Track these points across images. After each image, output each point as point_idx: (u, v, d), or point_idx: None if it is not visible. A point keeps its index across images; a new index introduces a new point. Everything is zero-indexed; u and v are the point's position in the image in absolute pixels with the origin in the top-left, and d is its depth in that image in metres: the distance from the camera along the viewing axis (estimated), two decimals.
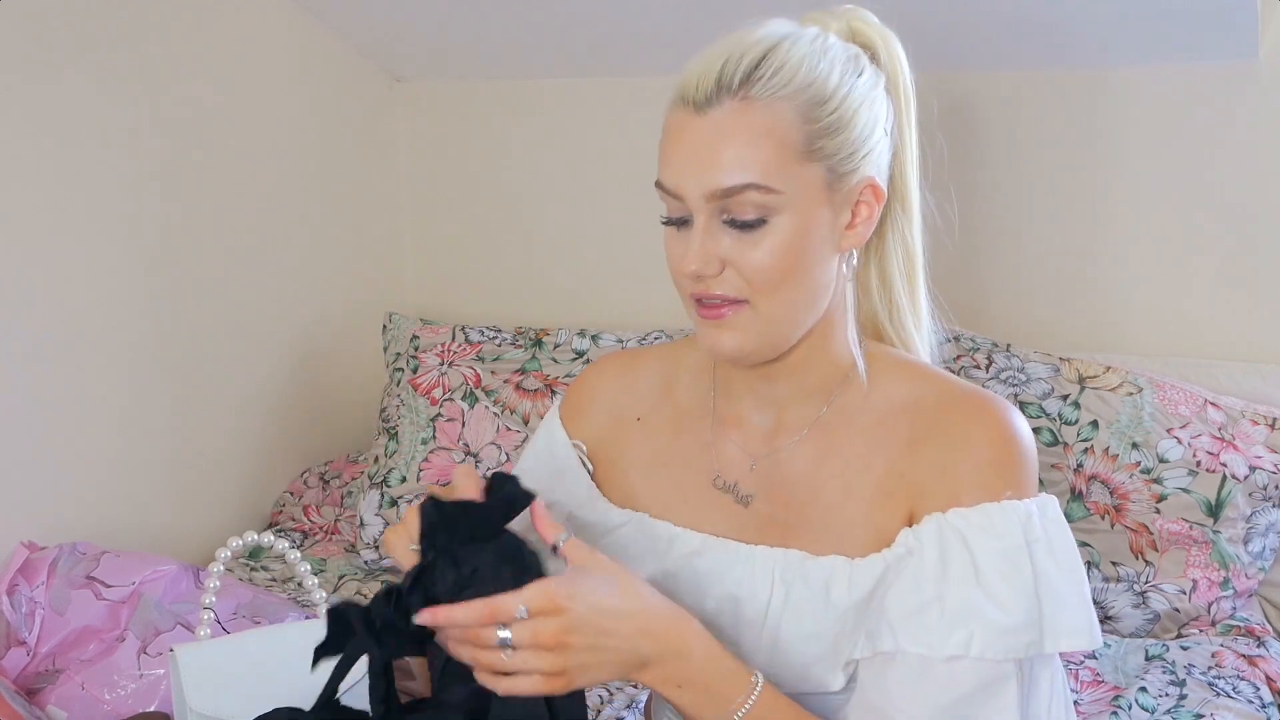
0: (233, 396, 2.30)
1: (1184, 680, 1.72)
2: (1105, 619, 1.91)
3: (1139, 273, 2.14)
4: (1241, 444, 1.89)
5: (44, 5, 1.89)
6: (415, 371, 2.33)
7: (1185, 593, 1.87)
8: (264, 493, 2.41)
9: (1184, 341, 2.11)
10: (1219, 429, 1.90)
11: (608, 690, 1.78)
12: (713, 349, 1.05)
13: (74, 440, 1.98)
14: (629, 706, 1.73)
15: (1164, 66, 2.05)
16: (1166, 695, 1.70)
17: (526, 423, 2.22)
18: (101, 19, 1.99)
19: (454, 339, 2.36)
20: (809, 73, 1.00)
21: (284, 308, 2.42)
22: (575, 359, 2.29)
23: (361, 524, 2.24)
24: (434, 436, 2.26)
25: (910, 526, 1.03)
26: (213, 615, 1.40)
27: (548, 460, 1.20)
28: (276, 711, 1.06)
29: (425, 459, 2.25)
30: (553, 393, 2.24)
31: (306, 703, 1.09)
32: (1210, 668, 1.75)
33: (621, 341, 2.30)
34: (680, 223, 1.03)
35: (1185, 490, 1.88)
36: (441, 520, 0.97)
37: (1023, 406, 1.95)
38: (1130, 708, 1.68)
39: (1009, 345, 2.06)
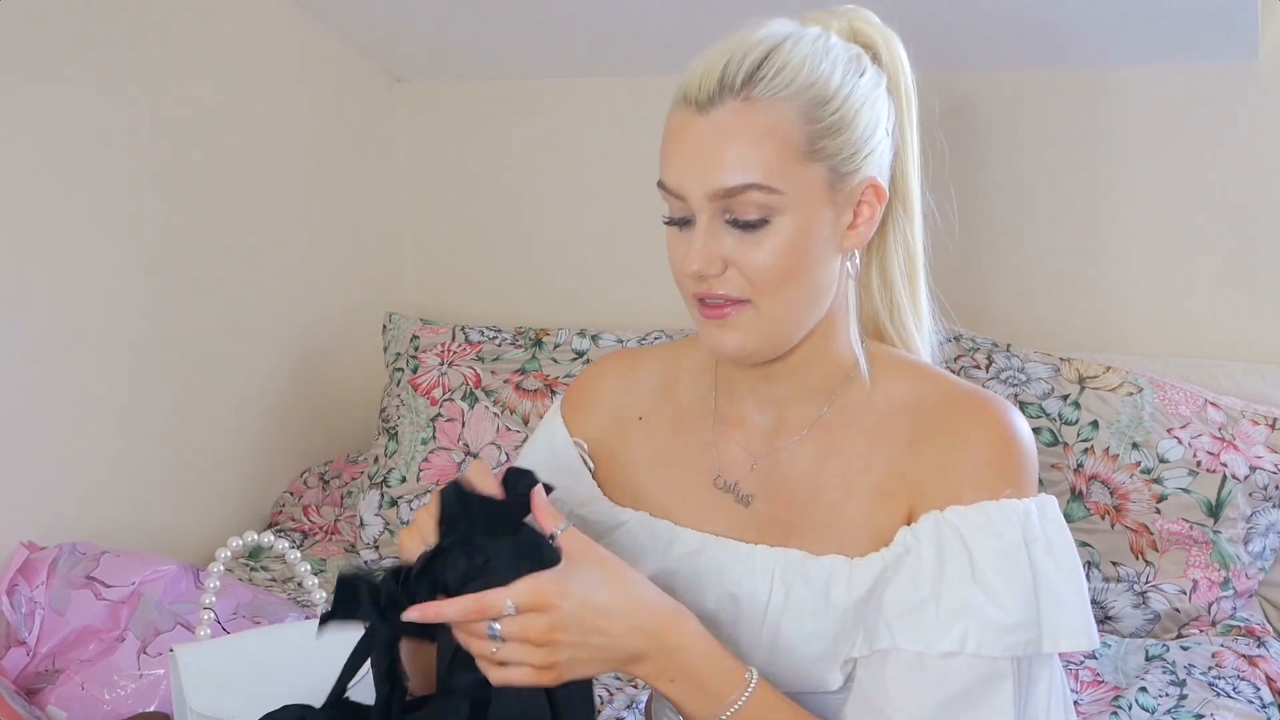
0: (233, 396, 2.30)
1: (1184, 680, 1.72)
2: (1105, 619, 1.91)
3: (1140, 273, 2.14)
4: (1242, 444, 1.89)
5: (44, 5, 1.89)
6: (415, 371, 2.33)
7: (1185, 593, 1.87)
8: (264, 493, 2.41)
9: (1185, 341, 2.11)
10: (1219, 429, 1.90)
11: (607, 690, 1.78)
12: (715, 349, 1.05)
13: (74, 440, 1.98)
14: (629, 707, 1.72)
15: (1165, 66, 2.05)
16: (1167, 695, 1.70)
17: (526, 423, 2.22)
18: (101, 19, 1.99)
19: (454, 339, 2.36)
20: (811, 73, 1.00)
21: (284, 308, 2.42)
22: (575, 359, 2.29)
23: (361, 524, 2.24)
24: (434, 436, 2.26)
25: (909, 525, 1.03)
26: (213, 615, 1.40)
27: (548, 458, 1.20)
28: (287, 708, 1.06)
29: (425, 459, 2.25)
30: (553, 393, 2.24)
31: (307, 702, 1.09)
32: (1210, 668, 1.75)
33: (621, 341, 2.30)
34: (682, 223, 1.03)
35: (1185, 490, 1.88)
36: (463, 509, 0.98)
37: (1023, 406, 1.95)
38: (1130, 708, 1.68)
39: (1009, 345, 2.06)
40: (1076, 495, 1.93)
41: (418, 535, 1.00)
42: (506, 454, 2.21)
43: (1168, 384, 1.96)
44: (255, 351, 2.36)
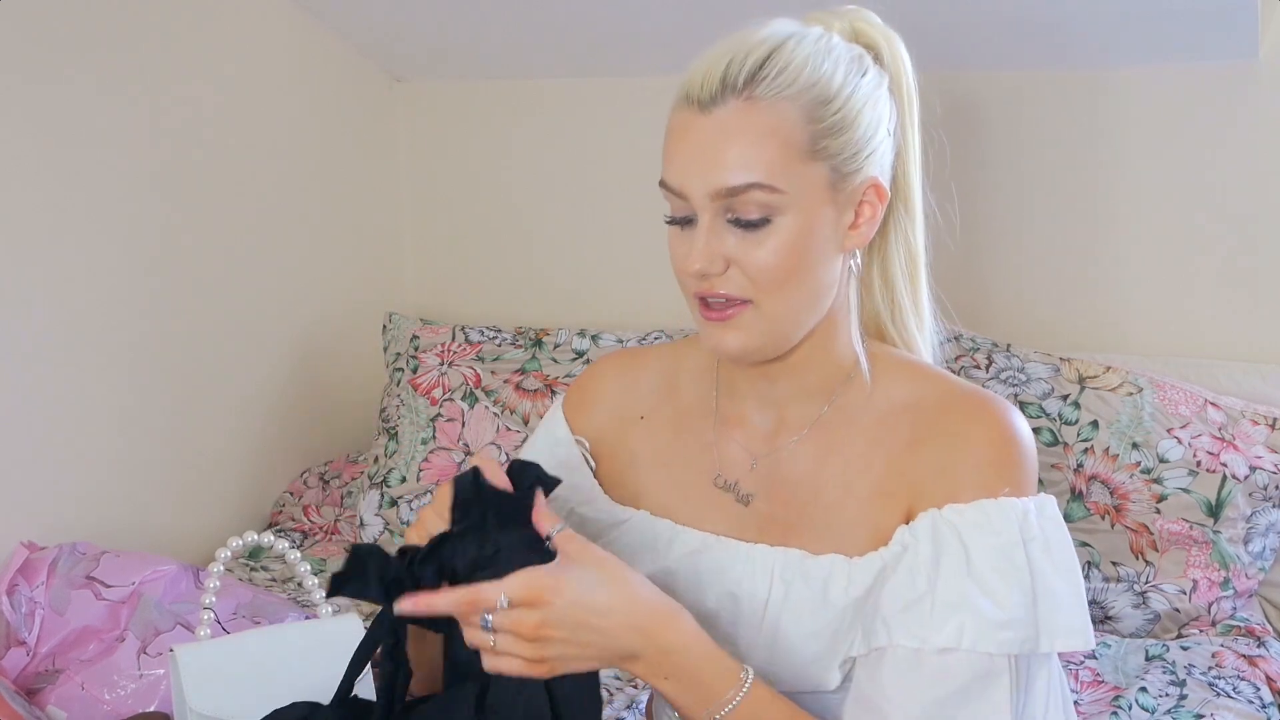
0: (233, 396, 2.30)
1: (1184, 680, 1.72)
2: (1105, 619, 1.91)
3: (1140, 273, 2.14)
4: (1242, 444, 1.89)
5: (44, 5, 1.89)
6: (415, 371, 2.33)
7: (1185, 593, 1.87)
8: (264, 493, 2.40)
9: (1185, 341, 2.11)
10: (1219, 429, 1.90)
11: (608, 691, 1.78)
12: (717, 348, 1.05)
13: (74, 440, 1.98)
14: (629, 707, 1.72)
15: (1165, 66, 2.05)
16: (1167, 695, 1.70)
17: (526, 423, 2.22)
18: (101, 19, 1.99)
19: (454, 339, 2.36)
20: (813, 72, 1.00)
21: (284, 308, 2.42)
22: (575, 359, 2.29)
23: (361, 524, 2.24)
24: (434, 436, 2.26)
25: (907, 525, 1.03)
26: (213, 615, 1.40)
27: (549, 456, 1.20)
28: (295, 705, 1.07)
29: (425, 459, 2.25)
30: (553, 393, 2.24)
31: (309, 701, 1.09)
32: (1210, 668, 1.75)
33: (621, 341, 2.30)
34: (684, 222, 1.03)
35: (1185, 490, 1.88)
36: (477, 496, 0.98)
37: (1023, 406, 1.95)
38: (1130, 708, 1.68)
39: (1009, 345, 2.06)
40: (1076, 495, 1.93)
41: (435, 517, 1.01)
42: (506, 454, 2.21)
43: (1168, 384, 1.96)
44: (255, 351, 2.36)
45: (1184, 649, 1.80)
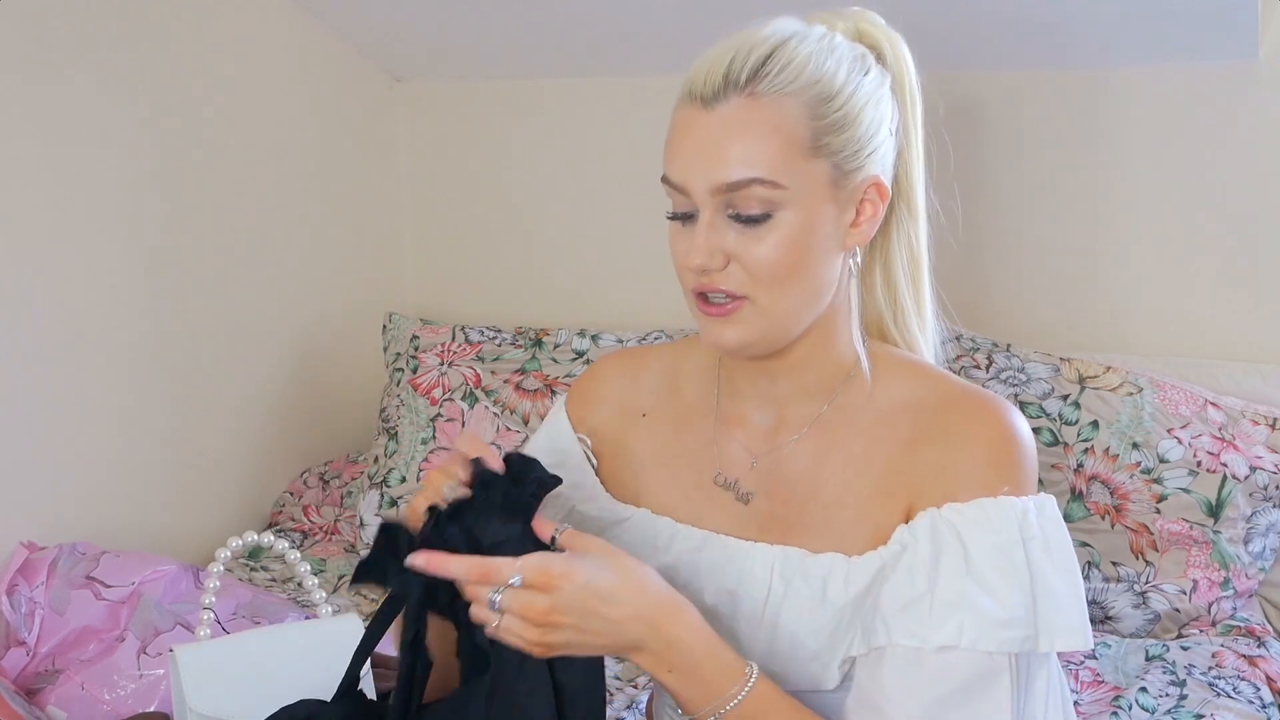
0: (233, 396, 2.30)
1: (1184, 680, 1.72)
2: (1106, 619, 1.91)
3: (1140, 272, 2.14)
4: (1242, 444, 1.89)
5: (44, 5, 1.89)
6: (415, 371, 2.33)
7: (1185, 593, 1.87)
8: (264, 493, 2.40)
9: (1185, 341, 2.11)
10: (1219, 429, 1.90)
11: (608, 691, 1.78)
12: (716, 343, 1.05)
13: (74, 440, 1.98)
14: (629, 707, 1.72)
15: (1165, 66, 2.05)
16: (1167, 695, 1.70)
17: (526, 423, 2.22)
18: (101, 19, 1.99)
19: (454, 339, 2.36)
20: (816, 70, 1.01)
21: (284, 308, 2.42)
22: (575, 359, 2.29)
23: (361, 524, 2.24)
24: (434, 436, 2.26)
25: (907, 524, 1.04)
26: (213, 615, 1.40)
27: (550, 454, 1.20)
28: (303, 702, 1.07)
29: (425, 459, 2.25)
30: (553, 393, 2.24)
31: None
32: (1210, 668, 1.75)
33: (621, 341, 2.30)
34: (685, 217, 1.04)
35: (1185, 490, 1.88)
36: (494, 479, 0.99)
37: (1023, 406, 1.95)
38: (1130, 708, 1.68)
39: (1009, 345, 2.06)
40: (1076, 495, 1.93)
41: (445, 478, 1.01)
42: (500, 445, 2.20)
43: (1168, 384, 1.96)
44: (255, 351, 2.36)
45: (1184, 649, 1.80)
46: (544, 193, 2.57)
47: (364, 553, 2.21)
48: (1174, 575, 1.88)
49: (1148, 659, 1.79)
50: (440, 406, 2.27)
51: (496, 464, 1.02)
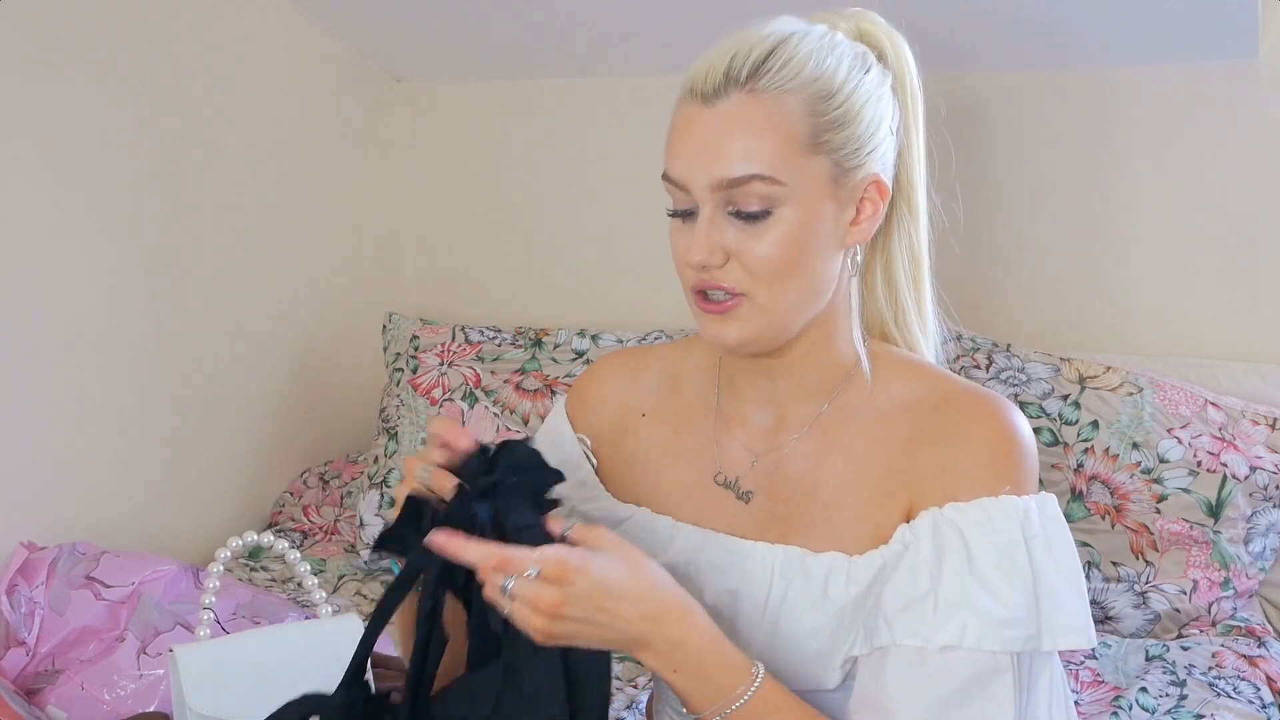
0: (233, 396, 2.30)
1: (1184, 680, 1.72)
2: (1106, 619, 1.91)
3: (1140, 272, 2.14)
4: (1242, 444, 1.89)
5: (44, 5, 1.89)
6: (415, 371, 2.33)
7: (1186, 593, 1.87)
8: (264, 493, 2.40)
9: (1185, 341, 2.11)
10: (1219, 429, 1.90)
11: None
12: (715, 339, 1.05)
13: (74, 440, 1.98)
14: (629, 707, 1.72)
15: (1165, 66, 2.05)
16: (1167, 695, 1.70)
17: (526, 423, 2.22)
18: (101, 19, 1.99)
19: (454, 339, 2.36)
20: (817, 67, 1.01)
21: (284, 308, 2.42)
22: (575, 359, 2.29)
23: (361, 524, 2.24)
24: None
25: (908, 523, 1.04)
26: (212, 615, 1.40)
27: (550, 454, 1.20)
28: (306, 698, 1.06)
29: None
30: (553, 393, 2.24)
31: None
32: (1211, 668, 1.75)
33: (621, 341, 2.30)
34: (685, 214, 1.04)
35: (1185, 490, 1.88)
36: (527, 465, 0.99)
37: (1023, 406, 1.95)
38: (1130, 708, 1.68)
39: (1009, 345, 2.06)
40: (1076, 495, 1.93)
41: (416, 465, 1.02)
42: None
43: (1168, 384, 1.96)
44: (255, 351, 2.36)
45: (1184, 649, 1.80)
46: (544, 193, 2.57)
47: (364, 553, 2.21)
48: (1174, 575, 1.88)
49: (1148, 659, 1.80)
50: (440, 406, 2.27)
51: (468, 443, 1.02)
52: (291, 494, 2.43)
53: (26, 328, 1.89)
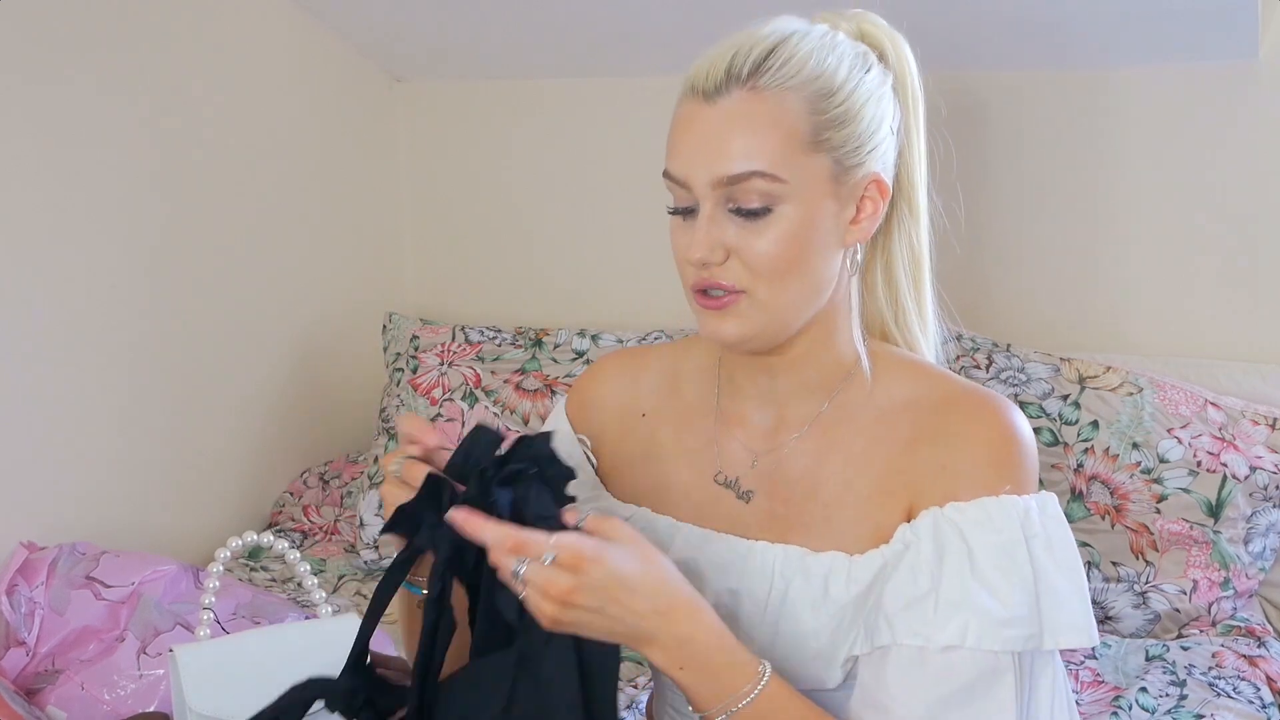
0: (233, 396, 2.30)
1: (1184, 680, 1.72)
2: (1106, 619, 1.91)
3: (1140, 272, 2.14)
4: (1242, 444, 1.89)
5: (44, 5, 1.89)
6: (415, 371, 2.33)
7: (1185, 593, 1.87)
8: (264, 493, 2.40)
9: (1185, 341, 2.11)
10: (1219, 429, 1.90)
11: None
12: (714, 336, 1.05)
13: (74, 440, 1.98)
14: (629, 707, 1.72)
15: (1165, 66, 2.05)
16: (1167, 695, 1.70)
17: (526, 423, 2.22)
18: (101, 19, 1.99)
19: (454, 339, 2.36)
20: (818, 65, 1.01)
21: (284, 308, 2.42)
22: (575, 359, 2.29)
23: (361, 524, 2.24)
24: None
25: (908, 523, 1.04)
26: (212, 615, 1.40)
27: None
28: (311, 681, 1.06)
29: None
30: (553, 393, 2.24)
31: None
32: (1211, 668, 1.75)
33: (621, 341, 2.30)
34: (686, 212, 1.04)
35: (1185, 490, 1.88)
36: (535, 461, 0.99)
37: (1023, 406, 1.94)
38: (1130, 708, 1.68)
39: (1009, 345, 2.06)
40: (1076, 495, 1.93)
41: (389, 462, 1.03)
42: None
43: (1168, 384, 1.96)
44: (255, 351, 2.36)
45: (1184, 649, 1.80)
46: (544, 193, 2.57)
47: (365, 553, 2.21)
48: (1174, 575, 1.88)
49: (1148, 659, 1.80)
50: (440, 406, 2.27)
51: (436, 439, 1.03)
52: (291, 494, 2.43)
53: (26, 328, 1.89)
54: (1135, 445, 1.91)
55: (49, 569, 1.78)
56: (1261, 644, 1.81)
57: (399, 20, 2.37)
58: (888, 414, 1.08)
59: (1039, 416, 1.96)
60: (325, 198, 2.50)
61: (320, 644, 1.30)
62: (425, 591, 1.02)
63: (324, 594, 1.49)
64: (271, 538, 1.43)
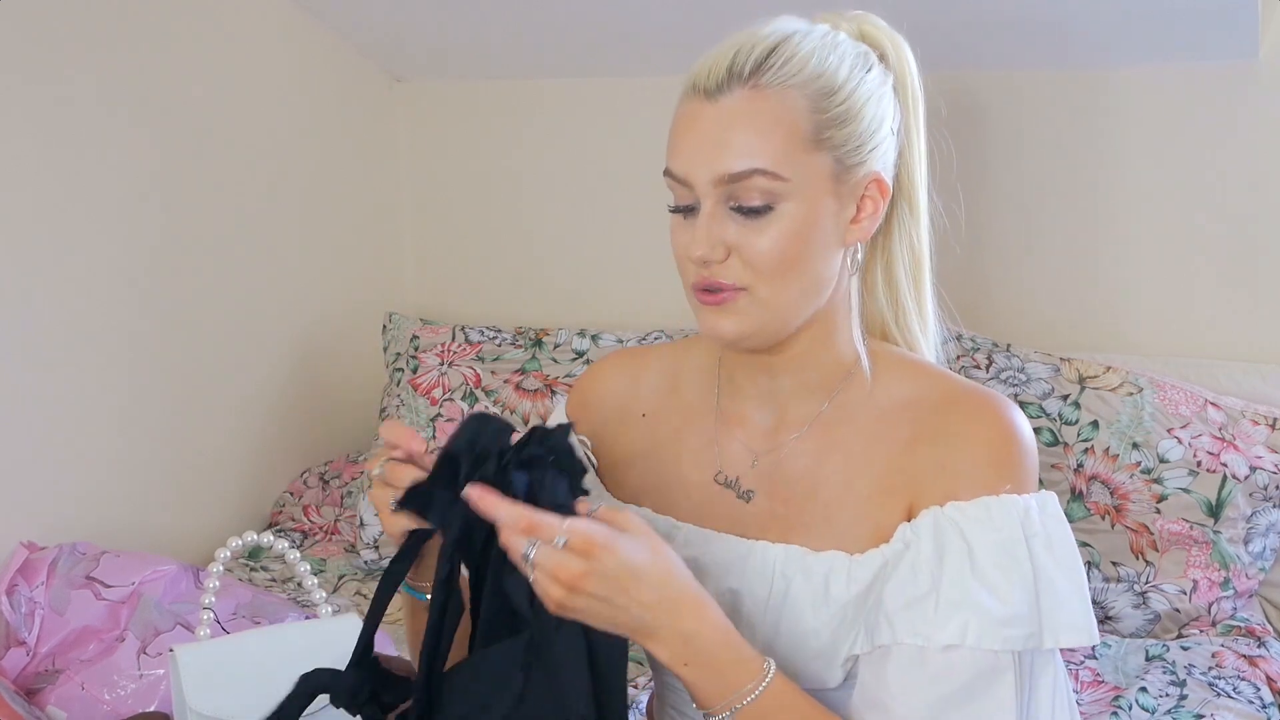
0: (233, 396, 2.30)
1: (1184, 680, 1.72)
2: (1106, 619, 1.91)
3: (1140, 272, 2.14)
4: (1242, 444, 1.89)
5: (44, 5, 1.89)
6: (415, 371, 2.33)
7: (1185, 593, 1.87)
8: (264, 493, 2.40)
9: (1185, 341, 2.11)
10: (1219, 429, 1.90)
11: None
12: (713, 333, 1.06)
13: (74, 440, 1.98)
14: (629, 707, 1.72)
15: (1165, 66, 2.05)
16: (1167, 695, 1.70)
17: (526, 423, 2.22)
18: (101, 19, 1.99)
19: (454, 339, 2.36)
20: (819, 64, 1.02)
21: (284, 308, 2.42)
22: (575, 359, 2.29)
23: (361, 524, 2.24)
24: (434, 436, 2.26)
25: (909, 522, 1.04)
26: (212, 615, 1.40)
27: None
28: (318, 671, 1.06)
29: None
30: (553, 393, 2.24)
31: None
32: (1210, 668, 1.75)
33: (621, 341, 2.30)
34: (687, 210, 1.04)
35: (1185, 490, 1.88)
36: (550, 455, 0.99)
37: (1023, 406, 1.94)
38: (1130, 708, 1.68)
39: (1009, 345, 2.06)
40: (1076, 495, 1.93)
41: (373, 465, 1.03)
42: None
43: (1168, 384, 1.96)
44: (255, 351, 2.36)
45: (1184, 649, 1.80)
46: (544, 193, 2.57)
47: (365, 553, 2.21)
48: (1174, 575, 1.88)
49: (1148, 659, 1.80)
50: (440, 406, 2.27)
51: (418, 445, 1.03)
52: (291, 494, 2.43)
53: (26, 328, 1.89)
54: (1135, 445, 1.92)
55: (49, 569, 1.78)
56: (1261, 644, 1.81)
57: (399, 20, 2.37)
58: (888, 413, 1.08)
59: (1039, 416, 1.96)
60: (325, 198, 2.50)
61: (320, 644, 1.29)
62: (427, 596, 1.02)
63: (324, 594, 1.49)
64: (271, 538, 1.43)
